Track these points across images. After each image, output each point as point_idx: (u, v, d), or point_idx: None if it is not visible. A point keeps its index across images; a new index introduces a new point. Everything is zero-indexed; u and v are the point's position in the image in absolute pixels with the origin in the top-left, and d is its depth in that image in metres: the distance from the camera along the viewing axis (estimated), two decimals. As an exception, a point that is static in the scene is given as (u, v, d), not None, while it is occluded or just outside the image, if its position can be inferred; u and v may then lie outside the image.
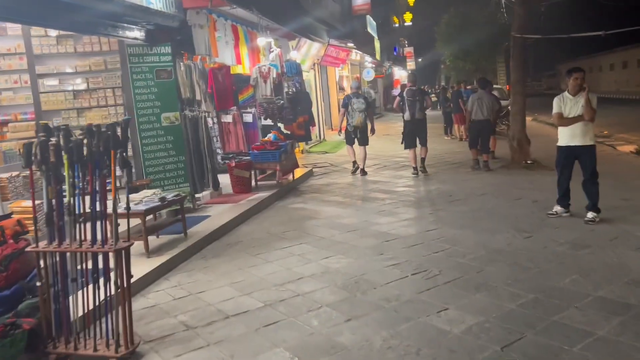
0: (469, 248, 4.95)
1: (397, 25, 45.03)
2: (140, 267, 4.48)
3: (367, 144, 9.77)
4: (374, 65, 27.66)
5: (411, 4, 45.64)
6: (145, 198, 5.09)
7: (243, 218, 6.63)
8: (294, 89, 8.93)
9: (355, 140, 9.60)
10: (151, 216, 5.35)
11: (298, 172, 9.93)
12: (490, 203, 6.83)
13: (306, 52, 11.79)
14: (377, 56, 24.41)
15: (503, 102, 16.76)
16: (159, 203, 5.10)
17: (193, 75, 7.57)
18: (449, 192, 7.75)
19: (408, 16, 44.59)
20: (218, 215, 6.58)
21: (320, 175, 10.20)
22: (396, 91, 25.64)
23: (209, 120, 9.23)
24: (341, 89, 19.27)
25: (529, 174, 8.71)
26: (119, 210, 3.42)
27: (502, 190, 7.64)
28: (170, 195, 5.31)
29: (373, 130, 9.71)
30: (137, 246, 4.71)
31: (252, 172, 8.25)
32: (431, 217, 6.28)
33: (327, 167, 11.10)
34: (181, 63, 6.81)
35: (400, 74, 40.57)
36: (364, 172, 9.69)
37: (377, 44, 24.29)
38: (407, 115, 9.08)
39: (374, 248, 5.16)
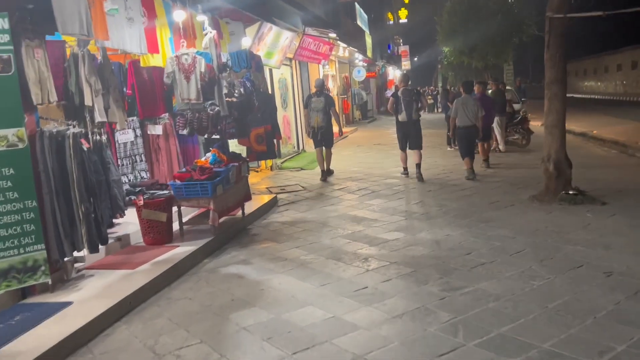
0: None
1: (391, 22, 42.60)
2: None
3: (331, 146, 9.43)
4: (365, 64, 25.11)
5: (406, 1, 43.21)
6: None
7: (127, 307, 3.98)
8: (241, 90, 6.31)
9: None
10: None
11: (257, 202, 7.33)
12: (537, 277, 4.23)
13: (273, 43, 9.19)
14: (369, 53, 21.85)
15: (515, 106, 14.33)
16: None
17: (81, 69, 5.00)
18: (464, 246, 5.15)
19: (403, 13, 42.15)
20: (86, 301, 3.95)
21: (287, 206, 7.59)
22: (390, 92, 23.09)
23: (134, 134, 6.65)
24: (326, 90, 16.62)
25: (576, 212, 6.13)
26: None
27: (547, 244, 5.04)
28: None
29: (341, 132, 9.86)
30: None
31: (178, 211, 5.63)
32: (444, 313, 3.65)
33: (297, 191, 8.48)
34: (37, 49, 4.19)
35: (395, 74, 37.99)
36: (329, 173, 9.38)
37: (368, 40, 21.74)
38: (403, 116, 8.59)
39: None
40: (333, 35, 12.72)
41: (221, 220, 6.06)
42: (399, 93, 8.67)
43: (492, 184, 8.23)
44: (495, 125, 11.94)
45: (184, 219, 5.98)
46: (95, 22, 4.55)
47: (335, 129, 9.92)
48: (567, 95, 6.87)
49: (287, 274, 4.64)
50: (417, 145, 8.68)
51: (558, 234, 5.35)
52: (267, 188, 8.72)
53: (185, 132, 5.86)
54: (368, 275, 4.48)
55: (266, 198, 7.67)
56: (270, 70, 11.39)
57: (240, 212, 6.52)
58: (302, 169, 10.64)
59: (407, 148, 8.84)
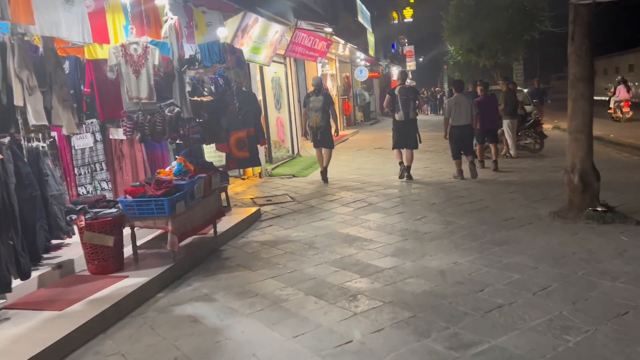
0: None
1: (396, 21, 41.65)
2: None
3: (332, 147, 9.08)
4: (368, 64, 24.17)
5: (412, 0, 42.21)
6: None
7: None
8: (212, 88, 5.37)
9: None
10: None
11: (236, 216, 6.44)
12: (572, 329, 3.27)
13: (260, 37, 8.27)
14: (371, 52, 20.90)
15: (527, 108, 13.34)
16: None
17: (9, 62, 4.14)
18: (475, 279, 4.19)
19: (408, 12, 41.24)
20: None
21: (271, 220, 6.67)
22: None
23: (93, 139, 5.78)
24: (324, 88, 15.69)
25: (607, 234, 5.17)
26: None
27: (577, 278, 4.08)
28: None
29: (337, 132, 9.21)
30: None
31: (132, 232, 4.71)
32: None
33: (285, 203, 7.55)
34: None
35: (407, 72, 37.03)
36: (324, 175, 8.98)
37: (370, 38, 20.79)
38: (399, 114, 8.39)
39: None
40: (329, 30, 11.80)
41: (187, 241, 5.15)
42: (396, 91, 8.40)
43: (505, 195, 7.27)
44: (505, 128, 10.99)
45: (143, 241, 5.07)
46: (16, 1, 3.65)
47: (332, 129, 9.30)
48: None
49: (255, 318, 3.71)
50: (413, 144, 8.52)
51: (589, 263, 4.39)
52: (251, 199, 7.80)
53: (137, 138, 4.93)
54: (355, 322, 3.54)
55: (247, 211, 6.75)
56: (261, 68, 10.49)
57: (212, 230, 5.59)
58: (294, 176, 9.70)
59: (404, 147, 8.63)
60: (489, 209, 6.55)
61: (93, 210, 4.33)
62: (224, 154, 6.86)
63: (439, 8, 35.78)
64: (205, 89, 5.26)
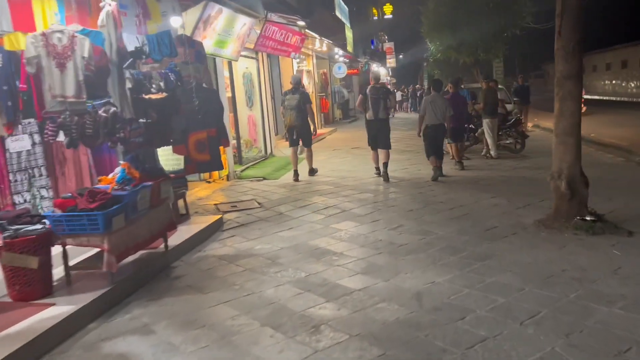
0: None
1: (376, 18, 41.23)
2: None
3: (309, 145, 9.03)
4: (347, 60, 23.65)
5: (392, -4, 41.82)
6: None
7: None
8: (161, 84, 4.74)
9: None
10: None
11: (195, 226, 5.85)
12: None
13: (225, 29, 7.65)
14: (349, 48, 20.37)
15: (508, 106, 12.97)
16: None
17: None
18: (455, 304, 3.68)
19: (388, 8, 40.79)
20: None
21: (234, 230, 6.10)
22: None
23: (30, 141, 5.15)
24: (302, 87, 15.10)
25: (597, 246, 4.72)
26: None
27: (569, 302, 3.60)
28: None
29: (315, 131, 9.09)
30: None
31: (63, 251, 4.08)
32: None
33: (252, 209, 6.96)
34: None
35: (380, 72, 36.61)
36: (312, 172, 9.07)
37: (349, 34, 20.25)
38: (370, 114, 8.35)
39: None
40: (302, 23, 11.21)
41: (132, 258, 4.54)
42: (367, 91, 8.35)
43: (487, 200, 6.81)
44: (485, 128, 10.57)
45: (79, 259, 4.45)
46: None
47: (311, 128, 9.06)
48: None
49: (197, 358, 3.13)
50: (385, 144, 8.39)
51: (581, 283, 3.92)
52: (215, 205, 7.20)
53: (64, 143, 4.29)
54: (314, 362, 3.00)
55: (208, 220, 6.15)
56: (230, 63, 9.86)
57: (163, 244, 4.99)
58: (264, 178, 9.11)
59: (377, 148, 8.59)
60: (470, 216, 6.08)
61: (13, 227, 3.70)
62: (182, 157, 6.25)
63: (418, 3, 35.54)
64: (154, 86, 4.64)
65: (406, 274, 4.35)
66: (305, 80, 15.08)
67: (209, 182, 8.53)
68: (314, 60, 18.15)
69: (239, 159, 10.06)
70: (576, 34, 5.18)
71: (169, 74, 4.91)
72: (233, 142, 10.19)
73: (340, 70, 21.69)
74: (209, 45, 7.33)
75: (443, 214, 6.23)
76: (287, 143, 9.23)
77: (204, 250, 5.39)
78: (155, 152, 5.67)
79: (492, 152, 10.63)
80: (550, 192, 5.56)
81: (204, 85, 6.39)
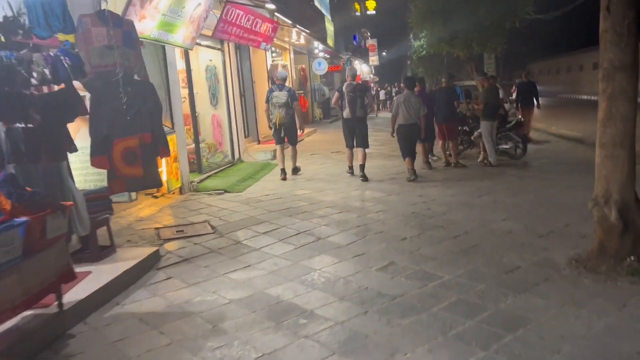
0: None
1: (358, 13, 39.91)
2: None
3: (295, 144, 8.84)
4: (328, 56, 22.23)
5: (375, -8, 40.50)
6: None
7: None
8: (47, 73, 3.20)
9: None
10: None
11: (121, 263, 4.37)
12: None
13: (173, 9, 6.11)
14: (330, 42, 18.94)
15: (505, 106, 11.70)
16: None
17: None
18: None
19: (371, 4, 39.48)
20: None
21: (172, 268, 4.62)
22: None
23: None
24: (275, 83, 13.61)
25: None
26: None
27: None
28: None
29: (302, 129, 8.95)
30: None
31: None
32: None
33: (203, 236, 5.47)
34: None
35: (362, 69, 35.27)
36: (295, 171, 8.86)
37: (329, 27, 18.81)
38: (347, 112, 8.15)
39: None
40: (271, 7, 9.74)
41: (7, 325, 3.04)
42: (344, 88, 8.09)
43: (497, 224, 5.44)
44: (484, 132, 9.26)
45: None
46: None
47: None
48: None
49: None
50: (364, 143, 8.21)
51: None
52: (156, 229, 5.70)
53: None
54: None
55: (138, 255, 4.66)
56: (188, 53, 8.34)
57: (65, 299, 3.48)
58: (226, 191, 7.61)
59: (354, 146, 8.31)
60: (481, 249, 4.70)
61: None
62: (105, 172, 4.72)
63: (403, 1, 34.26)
64: (35, 75, 3.14)
65: (405, 355, 2.93)
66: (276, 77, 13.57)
67: (156, 197, 7.01)
68: (292, 55, 16.67)
69: (198, 167, 8.55)
70: (631, 10, 3.82)
71: (62, 58, 3.39)
72: (190, 146, 8.67)
73: (321, 67, 20.25)
74: (150, 28, 5.82)
75: (445, 245, 4.84)
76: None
77: (124, 304, 3.90)
78: (62, 166, 4.15)
79: (491, 159, 9.31)
80: (573, 215, 4.23)
81: (136, 76, 4.89)
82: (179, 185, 7.29)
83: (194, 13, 6.65)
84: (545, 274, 4.02)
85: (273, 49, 16.02)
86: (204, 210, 6.59)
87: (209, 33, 8.01)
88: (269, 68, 13.46)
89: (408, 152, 8.11)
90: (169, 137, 6.85)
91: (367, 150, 8.31)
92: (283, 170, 8.53)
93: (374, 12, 39.96)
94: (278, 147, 8.65)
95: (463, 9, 11.31)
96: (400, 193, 7.21)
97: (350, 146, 8.41)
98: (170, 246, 5.19)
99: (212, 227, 5.75)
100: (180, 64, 8.24)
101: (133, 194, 6.02)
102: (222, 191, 7.58)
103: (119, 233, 5.55)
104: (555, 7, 12.43)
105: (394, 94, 29.59)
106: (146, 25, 5.74)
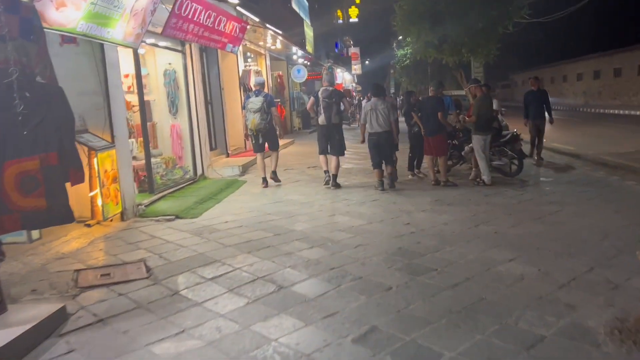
0: None
1: (341, 21, 39.18)
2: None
3: (277, 148, 8.72)
4: (308, 63, 21.20)
5: (358, 1, 39.79)
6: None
7: None
8: None
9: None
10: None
11: (14, 326, 3.17)
12: None
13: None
14: (309, 47, 17.92)
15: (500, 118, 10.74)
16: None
17: None
18: None
19: (354, 11, 38.80)
20: None
21: (79, 333, 3.42)
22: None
23: None
24: (247, 90, 12.50)
25: None
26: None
27: None
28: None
29: (281, 134, 9.25)
30: None
31: None
32: None
33: (133, 282, 4.28)
34: None
35: (344, 77, 34.34)
36: (276, 180, 8.63)
37: (308, 32, 17.80)
38: (322, 118, 8.02)
39: None
40: (234, 1, 8.64)
41: None
42: (319, 93, 8.03)
43: (503, 266, 4.36)
44: (476, 147, 8.27)
45: None
46: None
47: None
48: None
49: None
50: (339, 151, 8.13)
51: None
52: (75, 272, 4.49)
53: None
54: None
55: (36, 316, 3.45)
56: (136, 53, 7.16)
57: None
58: (177, 217, 6.42)
59: (328, 153, 8.19)
60: (488, 305, 3.61)
61: None
62: None
63: (385, 9, 33.51)
64: None
65: None
66: (252, 82, 12.45)
67: (89, 225, 5.77)
68: (268, 61, 15.55)
69: (149, 186, 7.34)
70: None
71: None
72: (140, 162, 7.49)
73: (300, 74, 19.21)
74: (74, 20, 4.64)
75: (442, 300, 3.74)
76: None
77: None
78: None
79: (485, 178, 8.32)
80: (594, 254, 3.20)
81: (39, 78, 3.72)
82: (119, 210, 6.08)
83: (137, 4, 5.48)
84: (581, 351, 2.95)
85: (249, 54, 14.91)
86: (144, 243, 5.39)
87: (154, 30, 6.83)
88: (240, 74, 12.32)
89: (378, 163, 7.84)
90: (107, 153, 5.69)
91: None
92: (264, 179, 8.50)
93: (356, 19, 39.27)
94: (258, 155, 8.51)
95: (453, 11, 10.27)
96: (384, 220, 6.12)
97: (323, 152, 8.22)
98: (87, 298, 3.99)
99: (148, 270, 4.56)
100: (124, 67, 7.04)
101: (35, 232, 4.79)
102: (173, 217, 6.39)
103: (25, 278, 4.35)
104: (547, 12, 11.59)
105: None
106: (68, 16, 4.57)
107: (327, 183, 8.22)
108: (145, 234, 5.75)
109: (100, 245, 5.32)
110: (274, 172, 8.66)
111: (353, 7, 38.31)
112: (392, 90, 44.83)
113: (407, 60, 32.03)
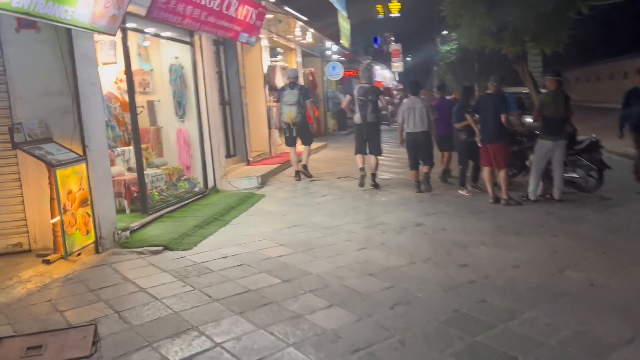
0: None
1: (381, 16, 37.44)
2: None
3: (310, 143, 8.88)
4: (344, 59, 19.73)
5: (399, -6, 37.92)
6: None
7: None
8: None
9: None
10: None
11: None
12: None
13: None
14: (344, 41, 16.40)
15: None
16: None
17: None
18: None
19: (395, 6, 36.89)
20: None
21: None
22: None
23: None
24: (273, 88, 11.12)
25: None
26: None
27: None
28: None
29: (316, 128, 9.33)
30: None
31: None
32: None
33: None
34: None
35: (384, 75, 32.62)
36: (305, 174, 8.77)
37: (344, 24, 16.28)
38: (357, 117, 7.75)
39: None
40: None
41: None
42: (355, 91, 7.78)
43: (621, 350, 2.77)
44: (535, 154, 6.63)
45: None
46: None
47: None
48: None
49: None
50: (376, 150, 7.87)
51: None
52: (10, 335, 3.19)
53: None
54: None
55: None
56: (124, 43, 5.88)
57: None
58: (166, 247, 5.09)
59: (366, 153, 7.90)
60: None
61: None
62: None
63: (429, 1, 31.36)
64: None
65: None
66: (279, 79, 11.07)
67: (48, 261, 4.50)
68: (299, 57, 14.16)
69: (142, 205, 6.06)
70: None
71: None
72: (132, 176, 6.24)
73: (335, 71, 17.76)
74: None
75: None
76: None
77: None
78: None
79: (555, 193, 6.66)
80: None
81: None
82: (91, 240, 4.81)
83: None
84: None
85: (278, 49, 13.58)
86: (109, 291, 4.06)
87: (135, 10, 5.51)
88: (265, 71, 10.98)
89: (415, 163, 7.61)
90: (71, 169, 4.42)
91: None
92: (297, 172, 8.68)
93: (398, 14, 37.39)
94: (291, 149, 8.72)
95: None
96: (431, 258, 4.59)
97: (359, 152, 7.94)
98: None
99: (96, 341, 3.22)
100: (100, 57, 5.79)
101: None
102: (161, 247, 5.07)
103: None
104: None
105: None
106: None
107: (361, 184, 7.86)
108: (117, 274, 4.43)
109: (52, 293, 4.04)
110: (305, 166, 8.74)
111: (394, 1, 36.46)
112: (435, 89, 42.69)
113: (452, 56, 29.89)
